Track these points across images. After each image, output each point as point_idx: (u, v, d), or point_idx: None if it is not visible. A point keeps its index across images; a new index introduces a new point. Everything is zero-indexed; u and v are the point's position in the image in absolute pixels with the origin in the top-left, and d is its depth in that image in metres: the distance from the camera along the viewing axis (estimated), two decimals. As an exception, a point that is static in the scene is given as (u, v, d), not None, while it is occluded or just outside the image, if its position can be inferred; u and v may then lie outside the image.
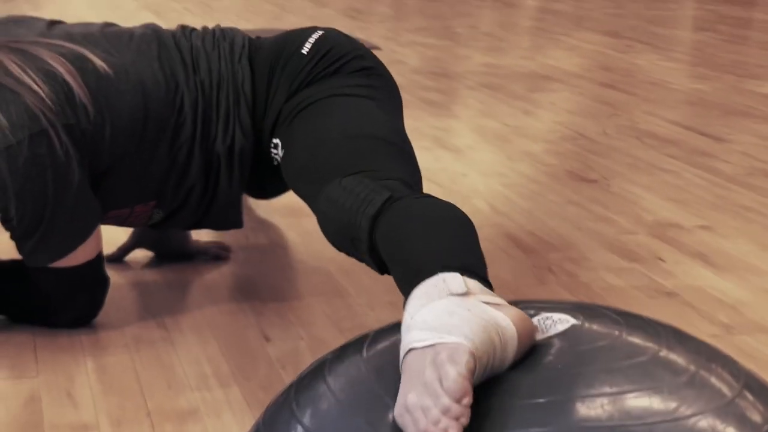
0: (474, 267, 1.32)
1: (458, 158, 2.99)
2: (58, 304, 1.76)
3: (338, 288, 2.04)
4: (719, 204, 2.65)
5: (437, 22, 5.81)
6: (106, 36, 1.83)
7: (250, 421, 1.52)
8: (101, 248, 1.79)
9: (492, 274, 1.36)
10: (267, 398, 1.58)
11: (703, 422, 1.10)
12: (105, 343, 1.75)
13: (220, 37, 1.88)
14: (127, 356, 1.70)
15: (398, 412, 1.13)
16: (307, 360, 1.72)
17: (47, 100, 1.66)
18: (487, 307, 1.22)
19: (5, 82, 1.66)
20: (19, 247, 1.72)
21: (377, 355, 1.28)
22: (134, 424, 1.49)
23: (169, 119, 1.78)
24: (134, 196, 1.81)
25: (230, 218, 1.93)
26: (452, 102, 3.78)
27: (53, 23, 1.85)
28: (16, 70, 1.67)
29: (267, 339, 1.80)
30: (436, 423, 1.11)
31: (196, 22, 5.24)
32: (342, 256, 2.16)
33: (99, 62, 1.74)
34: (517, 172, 2.90)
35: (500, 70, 4.44)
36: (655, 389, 1.11)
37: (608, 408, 1.11)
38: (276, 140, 1.79)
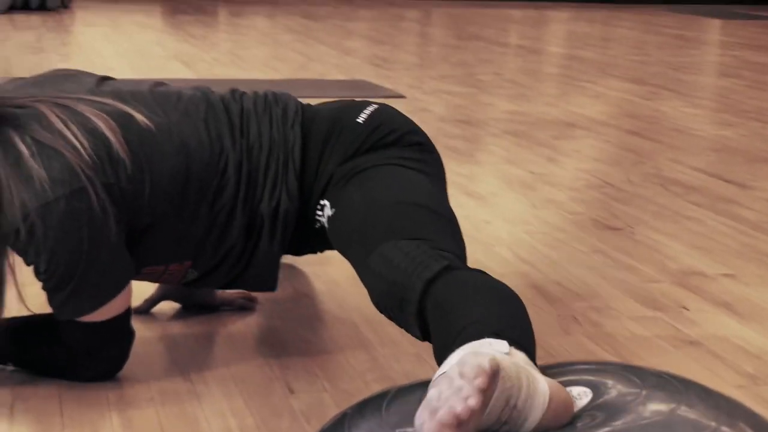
0: (523, 342, 1.33)
1: (482, 205, 3.00)
2: (83, 358, 1.77)
3: (363, 339, 2.05)
4: (743, 252, 2.65)
5: (461, 69, 5.84)
6: (155, 95, 1.85)
7: (274, 474, 1.52)
8: (130, 303, 1.81)
9: (514, 327, 1.37)
10: (291, 451, 1.59)
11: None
12: (130, 397, 1.76)
13: (273, 101, 1.91)
14: (153, 410, 1.71)
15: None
16: (332, 412, 1.73)
17: (87, 156, 1.68)
18: (526, 366, 1.25)
19: (47, 137, 1.68)
20: (50, 299, 1.74)
21: (397, 412, 1.30)
22: (159, 478, 1.50)
23: (211, 182, 1.80)
24: (171, 255, 1.83)
25: (266, 280, 1.94)
26: (476, 149, 3.80)
27: (103, 79, 1.88)
28: (58, 124, 1.70)
29: (291, 391, 1.81)
30: (445, 400, 1.14)
31: (226, 72, 5.30)
32: (368, 306, 2.17)
33: (143, 121, 1.76)
34: (542, 220, 2.91)
35: (525, 118, 4.45)
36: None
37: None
38: (324, 201, 1.81)
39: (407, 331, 1.57)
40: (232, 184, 1.81)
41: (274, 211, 1.84)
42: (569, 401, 1.26)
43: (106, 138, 1.71)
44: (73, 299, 1.71)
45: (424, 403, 1.19)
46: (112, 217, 1.70)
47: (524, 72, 5.88)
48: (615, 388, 1.26)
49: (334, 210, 1.78)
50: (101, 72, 5.14)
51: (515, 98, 4.97)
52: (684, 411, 1.16)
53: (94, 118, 1.73)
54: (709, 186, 3.31)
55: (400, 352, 1.97)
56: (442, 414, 1.15)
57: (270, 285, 1.95)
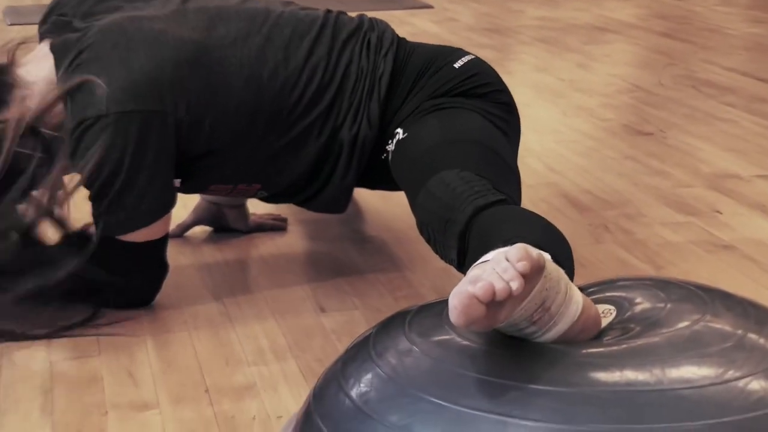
0: (565, 263, 1.32)
1: (512, 117, 2.97)
2: (117, 280, 1.78)
3: (393, 257, 2.05)
4: (779, 152, 2.61)
5: (490, -24, 5.75)
6: (240, 14, 1.82)
7: (306, 393, 1.53)
8: (167, 233, 1.80)
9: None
10: (322, 370, 1.60)
11: (754, 384, 1.10)
12: (164, 321, 1.78)
13: (369, 28, 1.89)
14: (186, 333, 1.73)
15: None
16: (362, 330, 1.73)
17: (150, 83, 1.68)
18: (566, 276, 1.24)
19: (115, 55, 1.69)
20: (93, 211, 1.74)
21: (419, 326, 1.30)
22: (193, 402, 1.52)
23: (282, 112, 1.78)
24: (236, 177, 1.83)
25: (337, 205, 1.93)
26: (506, 58, 3.75)
27: None
28: (135, 42, 1.71)
29: (323, 310, 1.82)
30: (486, 276, 1.12)
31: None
32: (397, 225, 2.17)
33: (216, 53, 1.75)
34: (572, 128, 2.88)
35: (555, 23, 4.39)
36: (703, 354, 1.11)
37: (657, 373, 1.11)
38: (399, 130, 1.79)
39: (443, 256, 1.55)
40: (309, 112, 1.80)
41: (354, 138, 1.82)
42: (598, 318, 1.25)
43: (173, 67, 1.70)
44: (107, 215, 1.72)
45: (463, 279, 1.16)
46: (161, 147, 1.70)
47: (553, -24, 5.78)
48: (639, 305, 1.25)
49: (405, 135, 1.76)
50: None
51: (544, 4, 4.89)
52: (710, 320, 1.15)
53: (164, 46, 1.72)
54: (742, 86, 3.26)
55: (429, 269, 1.97)
56: (479, 287, 1.11)
57: (340, 209, 1.95)
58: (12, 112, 1.70)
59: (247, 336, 1.72)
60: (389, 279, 1.94)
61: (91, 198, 1.73)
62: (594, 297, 1.32)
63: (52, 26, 1.84)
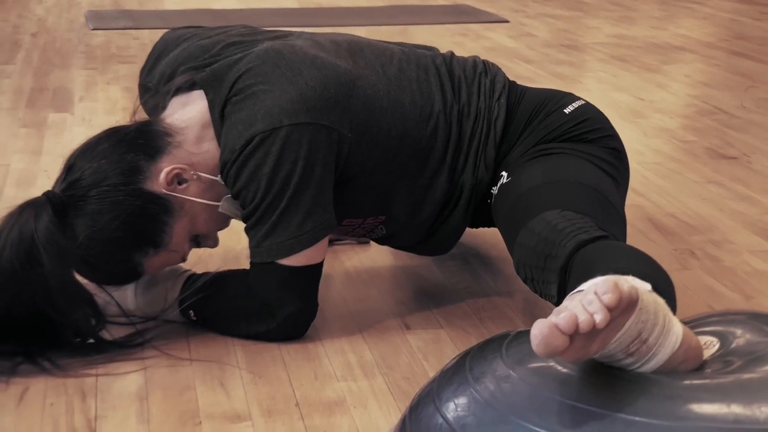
0: (667, 294, 1.31)
1: (592, 136, 2.95)
2: (272, 306, 1.72)
3: (477, 276, 2.05)
4: None
5: (565, -9, 5.74)
6: (371, 48, 1.84)
7: (395, 411, 1.54)
8: (324, 258, 1.75)
9: (639, 269, 1.36)
10: (410, 388, 1.61)
11: None
12: (252, 332, 1.79)
13: (482, 71, 1.89)
14: (275, 345, 1.74)
15: None
16: (448, 349, 1.74)
17: (319, 98, 1.68)
18: (665, 306, 1.23)
19: (279, 73, 1.69)
20: (250, 239, 1.71)
21: (517, 352, 1.30)
22: (284, 415, 1.53)
23: (421, 141, 1.79)
24: (371, 208, 1.82)
25: (448, 247, 1.93)
26: (584, 75, 3.74)
27: (293, 35, 1.88)
28: (296, 63, 1.70)
29: (408, 327, 1.82)
30: (571, 309, 1.13)
31: (327, 0, 5.27)
32: (480, 245, 2.17)
33: (364, 78, 1.76)
34: (654, 149, 2.86)
35: (631, 42, 4.36)
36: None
37: (766, 411, 1.10)
38: (504, 173, 1.80)
39: (542, 293, 1.55)
40: (440, 147, 1.80)
41: (473, 180, 1.83)
42: (699, 349, 1.24)
43: (335, 86, 1.70)
44: (271, 237, 1.67)
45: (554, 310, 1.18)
46: (327, 163, 1.68)
47: (629, -7, 5.75)
48: (743, 337, 1.24)
49: (509, 178, 1.77)
50: (208, 2, 5.16)
51: (620, 21, 4.87)
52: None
53: (324, 66, 1.72)
54: (827, 111, 3.21)
55: (515, 289, 1.97)
56: (561, 317, 1.11)
57: (446, 251, 1.95)
58: (172, 158, 1.69)
59: (334, 350, 1.74)
60: (473, 298, 1.94)
61: (254, 222, 1.68)
62: (697, 329, 1.31)
63: (187, 70, 1.80)
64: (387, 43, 1.92)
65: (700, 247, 2.17)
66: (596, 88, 3.54)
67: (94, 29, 4.45)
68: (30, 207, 1.63)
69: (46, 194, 1.65)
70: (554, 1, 5.40)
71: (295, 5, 5.23)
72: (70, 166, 1.69)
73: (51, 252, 1.59)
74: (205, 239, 1.77)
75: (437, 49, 1.95)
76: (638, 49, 4.20)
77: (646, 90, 3.53)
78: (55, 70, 3.74)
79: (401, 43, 1.96)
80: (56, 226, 1.60)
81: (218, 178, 1.71)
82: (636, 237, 2.21)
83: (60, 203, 1.64)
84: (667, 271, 1.45)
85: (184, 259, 1.76)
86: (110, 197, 1.64)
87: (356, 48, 1.83)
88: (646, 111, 3.24)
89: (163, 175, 1.67)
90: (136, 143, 1.69)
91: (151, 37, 4.11)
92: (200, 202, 1.71)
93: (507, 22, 4.79)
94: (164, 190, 1.67)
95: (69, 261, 1.63)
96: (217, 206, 1.73)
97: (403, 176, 1.80)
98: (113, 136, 1.70)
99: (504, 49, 4.01)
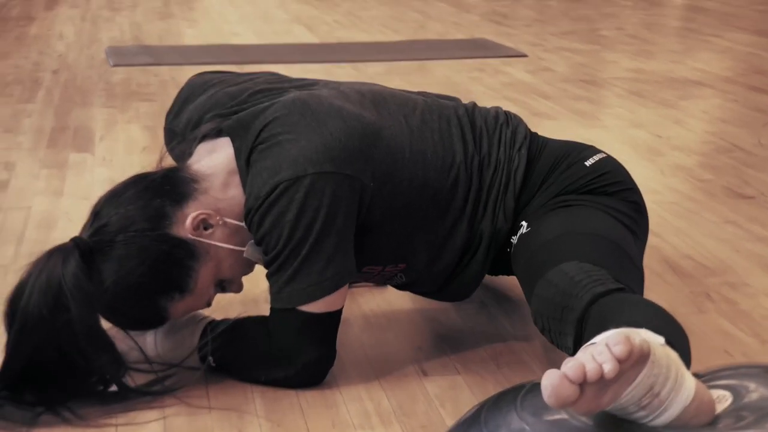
0: (681, 347, 1.33)
1: (609, 175, 2.96)
2: (291, 353, 1.73)
3: (494, 319, 2.06)
4: None
5: (583, 24, 5.76)
6: (394, 98, 1.87)
7: (413, 461, 1.55)
8: (343, 305, 1.76)
9: (653, 323, 1.37)
10: (428, 437, 1.62)
11: None
12: (270, 379, 1.81)
13: (504, 122, 1.92)
14: (293, 392, 1.76)
15: None
16: (465, 396, 1.75)
17: (343, 148, 1.70)
18: (678, 360, 1.25)
19: (304, 123, 1.71)
20: (270, 285, 1.72)
21: (532, 405, 1.31)
22: (302, 465, 1.55)
23: (442, 191, 1.81)
24: (391, 256, 1.83)
25: (464, 293, 1.94)
26: (601, 111, 3.75)
27: (314, 82, 1.91)
28: (321, 114, 1.73)
29: (425, 374, 1.84)
30: (581, 358, 1.15)
31: (348, 35, 5.32)
32: (497, 287, 2.18)
33: (387, 129, 1.78)
34: (671, 188, 2.87)
35: (649, 76, 4.38)
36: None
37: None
38: (524, 223, 1.82)
39: (558, 344, 1.56)
40: (461, 197, 1.82)
41: (492, 229, 1.84)
42: (711, 404, 1.25)
43: (359, 136, 1.73)
44: (292, 283, 1.69)
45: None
46: (349, 212, 1.70)
47: (646, 26, 5.77)
48: (757, 392, 1.25)
49: (529, 229, 1.79)
50: (227, 38, 5.22)
51: (639, 55, 4.88)
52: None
53: (349, 117, 1.74)
54: None
55: (532, 334, 1.98)
56: (569, 366, 1.13)
57: (464, 298, 1.97)
58: (198, 204, 1.71)
59: (352, 397, 1.75)
60: (491, 343, 1.95)
61: (276, 268, 1.70)
62: (710, 383, 1.32)
63: (214, 117, 1.83)
64: (410, 93, 1.94)
65: (716, 290, 2.18)
66: (614, 124, 3.56)
67: (114, 65, 4.50)
68: (58, 252, 1.65)
69: (74, 240, 1.67)
70: (572, 35, 5.42)
71: (314, 40, 5.27)
72: (96, 212, 1.71)
73: (78, 297, 1.61)
74: (229, 284, 1.79)
75: (460, 100, 1.97)
76: (656, 84, 4.22)
77: (664, 126, 3.54)
78: (75, 108, 3.78)
79: (424, 92, 1.98)
80: (83, 272, 1.63)
81: (243, 224, 1.74)
82: (653, 279, 2.21)
83: (87, 249, 1.66)
84: (681, 325, 1.46)
85: (208, 304, 1.78)
86: (137, 242, 1.66)
87: (380, 98, 1.85)
88: (663, 148, 3.25)
89: (189, 221, 1.70)
90: (163, 189, 1.71)
91: (171, 73, 4.16)
92: (226, 248, 1.73)
93: (525, 56, 4.81)
94: (190, 236, 1.70)
95: (96, 306, 1.65)
96: (242, 251, 1.75)
97: (423, 225, 1.81)
98: (140, 183, 1.73)
99: (522, 85, 4.03)
